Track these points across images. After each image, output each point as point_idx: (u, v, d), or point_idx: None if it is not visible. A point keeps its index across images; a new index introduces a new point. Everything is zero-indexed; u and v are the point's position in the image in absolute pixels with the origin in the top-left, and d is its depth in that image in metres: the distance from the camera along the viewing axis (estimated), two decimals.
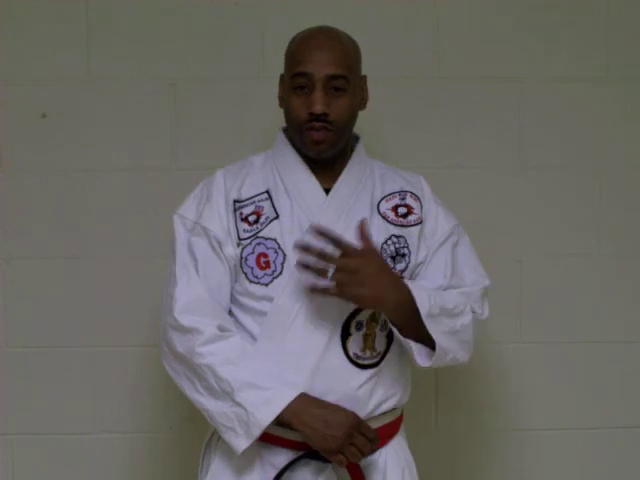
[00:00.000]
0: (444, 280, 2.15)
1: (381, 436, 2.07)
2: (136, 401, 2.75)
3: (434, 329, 2.03)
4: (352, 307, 2.06)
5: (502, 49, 2.75)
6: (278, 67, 2.20)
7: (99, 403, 2.73)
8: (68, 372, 2.72)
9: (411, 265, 2.14)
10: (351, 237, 2.06)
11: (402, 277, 2.07)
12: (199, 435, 2.26)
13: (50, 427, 2.74)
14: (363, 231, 2.02)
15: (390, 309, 2.02)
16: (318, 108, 2.07)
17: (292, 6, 2.68)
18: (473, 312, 2.13)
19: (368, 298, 2.00)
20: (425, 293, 2.04)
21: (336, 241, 1.99)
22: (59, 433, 2.74)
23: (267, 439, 2.01)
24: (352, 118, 2.15)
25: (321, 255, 1.98)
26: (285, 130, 2.21)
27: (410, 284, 2.04)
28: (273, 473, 2.04)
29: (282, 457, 2.05)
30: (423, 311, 2.01)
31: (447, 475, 2.75)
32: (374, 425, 2.05)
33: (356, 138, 2.23)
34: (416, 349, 2.05)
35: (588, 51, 2.77)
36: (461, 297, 2.13)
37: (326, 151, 2.12)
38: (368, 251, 2.01)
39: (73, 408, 2.73)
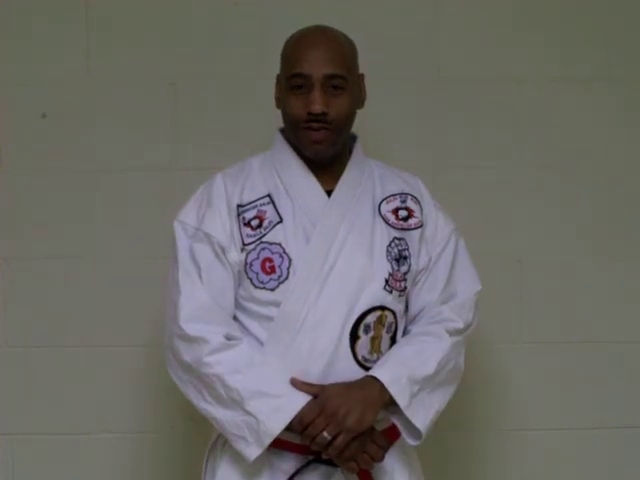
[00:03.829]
0: (440, 296, 2.17)
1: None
2: (137, 401, 2.75)
3: (418, 414, 2.03)
4: (360, 310, 2.06)
5: (502, 49, 2.76)
6: (278, 67, 2.19)
7: (99, 403, 2.73)
8: (68, 372, 2.72)
9: (413, 269, 2.14)
10: (354, 238, 2.08)
11: (370, 375, 2.05)
12: (200, 435, 2.26)
13: (50, 427, 2.73)
14: (298, 383, 2.02)
15: (378, 408, 2.01)
16: (317, 108, 2.06)
17: (291, 6, 2.68)
18: (458, 331, 2.14)
19: (358, 422, 1.97)
20: (400, 381, 2.02)
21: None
22: (59, 433, 2.74)
23: (276, 444, 2.00)
24: (351, 117, 2.14)
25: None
26: (282, 131, 2.20)
27: (383, 375, 2.02)
28: (282, 478, 2.04)
29: (291, 462, 2.05)
30: (403, 404, 2.01)
31: (447, 475, 2.75)
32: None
33: (353, 138, 2.22)
34: (405, 434, 2.06)
35: (588, 51, 2.77)
36: (447, 323, 2.13)
37: (325, 151, 2.11)
38: (323, 391, 2.00)
39: (73, 408, 2.73)
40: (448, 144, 2.75)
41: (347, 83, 2.10)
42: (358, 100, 2.18)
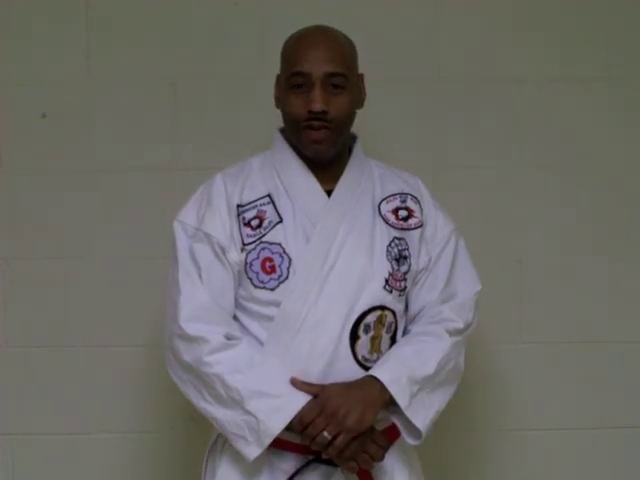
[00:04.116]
0: (440, 296, 2.17)
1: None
2: (137, 401, 2.75)
3: (418, 414, 2.03)
4: (360, 310, 2.06)
5: (502, 49, 2.75)
6: (278, 67, 2.19)
7: (99, 403, 2.73)
8: (68, 372, 2.72)
9: (413, 269, 2.14)
10: (354, 238, 2.08)
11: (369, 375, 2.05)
12: (200, 435, 2.26)
13: (50, 427, 2.73)
14: (298, 383, 2.02)
15: (378, 408, 2.02)
16: (317, 106, 2.06)
17: (291, 6, 2.68)
18: (458, 331, 2.14)
19: (358, 422, 1.97)
20: (400, 380, 2.02)
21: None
22: (59, 433, 2.74)
23: (276, 444, 2.00)
24: (351, 116, 2.14)
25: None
26: (282, 131, 2.20)
27: (382, 375, 2.02)
28: (282, 478, 2.04)
29: (291, 462, 2.05)
30: (403, 404, 2.01)
31: (447, 475, 2.75)
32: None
33: (353, 138, 2.22)
34: (405, 434, 2.06)
35: (588, 51, 2.77)
36: (447, 323, 2.14)
37: (325, 151, 2.11)
38: (323, 391, 2.00)
39: (73, 408, 2.73)
40: (448, 144, 2.75)
41: (347, 82, 2.10)
42: (358, 100, 2.17)
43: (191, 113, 2.72)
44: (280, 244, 2.07)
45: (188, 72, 2.71)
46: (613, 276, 2.79)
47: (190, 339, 2.02)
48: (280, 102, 2.15)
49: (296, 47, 2.12)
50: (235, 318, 2.10)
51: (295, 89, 2.09)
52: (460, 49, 2.75)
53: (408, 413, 2.02)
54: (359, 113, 2.18)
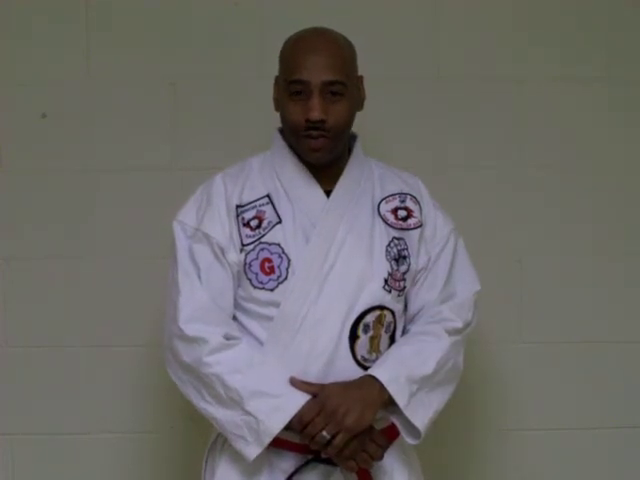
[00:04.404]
0: (439, 295, 2.17)
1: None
2: (137, 401, 2.75)
3: (417, 413, 2.03)
4: (360, 309, 2.06)
5: (502, 49, 2.75)
6: (278, 67, 2.19)
7: (99, 403, 2.73)
8: (68, 372, 2.72)
9: (412, 269, 2.14)
10: (353, 239, 2.08)
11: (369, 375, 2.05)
12: (200, 435, 2.26)
13: (50, 427, 2.73)
14: (297, 382, 2.02)
15: (377, 408, 2.02)
16: (315, 115, 2.04)
17: (292, 6, 2.68)
18: (457, 331, 2.14)
19: (357, 421, 1.98)
20: (399, 380, 2.02)
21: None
22: (59, 433, 2.74)
23: (275, 443, 2.00)
24: (349, 122, 2.13)
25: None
26: (281, 130, 2.19)
27: (381, 374, 2.02)
28: (281, 477, 2.04)
29: (290, 461, 2.05)
30: (402, 403, 2.01)
31: (447, 475, 2.75)
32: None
33: (353, 137, 2.21)
34: (404, 433, 2.06)
35: (588, 51, 2.77)
36: (446, 323, 2.14)
37: (323, 157, 2.10)
38: (322, 391, 2.01)
39: (73, 408, 2.73)
40: (448, 144, 2.75)
41: (346, 89, 2.08)
42: (357, 103, 2.16)
43: (191, 113, 2.72)
44: (279, 244, 2.06)
45: (188, 72, 2.71)
46: (613, 276, 2.79)
47: (189, 340, 2.03)
48: (279, 104, 2.15)
49: (294, 52, 2.10)
50: (234, 318, 2.10)
51: (294, 96, 2.07)
52: (460, 49, 2.75)
53: (407, 412, 2.02)
54: (359, 113, 2.17)
